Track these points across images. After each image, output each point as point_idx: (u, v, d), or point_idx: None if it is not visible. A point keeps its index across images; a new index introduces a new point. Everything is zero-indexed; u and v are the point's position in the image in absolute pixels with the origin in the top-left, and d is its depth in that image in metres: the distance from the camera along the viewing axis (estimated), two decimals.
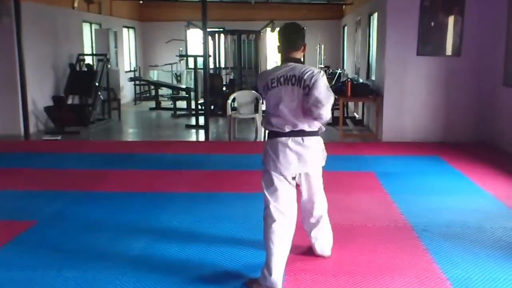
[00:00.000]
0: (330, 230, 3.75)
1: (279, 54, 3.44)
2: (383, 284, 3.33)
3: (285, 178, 3.30)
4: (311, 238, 3.72)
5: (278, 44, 3.41)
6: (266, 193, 3.31)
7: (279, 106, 3.22)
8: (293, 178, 3.36)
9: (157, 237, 4.15)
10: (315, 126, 3.29)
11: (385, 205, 4.99)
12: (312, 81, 3.16)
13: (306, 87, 3.17)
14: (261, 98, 9.14)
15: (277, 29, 3.30)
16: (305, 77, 3.19)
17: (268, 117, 3.32)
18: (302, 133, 3.26)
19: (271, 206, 3.28)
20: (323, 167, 3.51)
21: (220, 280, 3.39)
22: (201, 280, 3.39)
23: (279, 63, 3.50)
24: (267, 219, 3.29)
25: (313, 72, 3.21)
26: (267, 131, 3.39)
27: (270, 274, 3.20)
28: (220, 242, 4.04)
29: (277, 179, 3.29)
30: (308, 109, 3.16)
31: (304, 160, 3.28)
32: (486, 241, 4.06)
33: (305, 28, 3.59)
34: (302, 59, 3.43)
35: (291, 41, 3.34)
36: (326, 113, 3.15)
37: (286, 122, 3.23)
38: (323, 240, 3.71)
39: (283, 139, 3.25)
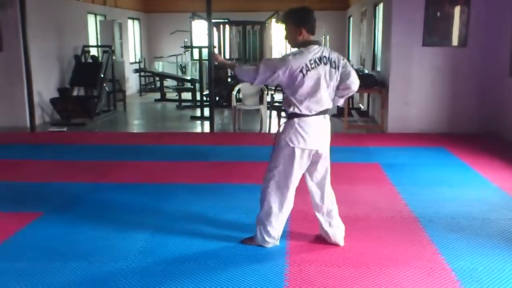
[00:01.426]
0: (340, 220, 3.82)
1: (300, 36, 3.50)
2: (388, 275, 3.33)
3: (307, 156, 3.49)
4: (324, 226, 3.76)
5: (302, 25, 3.48)
6: (280, 172, 3.53)
7: (318, 86, 3.41)
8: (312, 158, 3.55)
9: (162, 228, 4.17)
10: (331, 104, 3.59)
11: (390, 196, 4.99)
12: (342, 62, 3.50)
13: (338, 67, 3.48)
14: (266, 89, 9.14)
15: (297, 11, 3.45)
16: (333, 58, 3.47)
17: (300, 100, 3.42)
18: (327, 111, 3.55)
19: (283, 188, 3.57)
20: None
21: (226, 272, 3.40)
22: (207, 271, 3.40)
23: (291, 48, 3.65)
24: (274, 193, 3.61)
25: (336, 53, 3.53)
26: (293, 110, 3.46)
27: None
28: (226, 232, 4.05)
29: (299, 157, 3.47)
30: (346, 87, 3.54)
31: (327, 135, 3.57)
32: (491, 232, 4.05)
33: None
34: None
35: (314, 25, 3.54)
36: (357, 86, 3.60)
37: (321, 102, 3.45)
38: (337, 228, 3.77)
39: (316, 116, 3.47)
